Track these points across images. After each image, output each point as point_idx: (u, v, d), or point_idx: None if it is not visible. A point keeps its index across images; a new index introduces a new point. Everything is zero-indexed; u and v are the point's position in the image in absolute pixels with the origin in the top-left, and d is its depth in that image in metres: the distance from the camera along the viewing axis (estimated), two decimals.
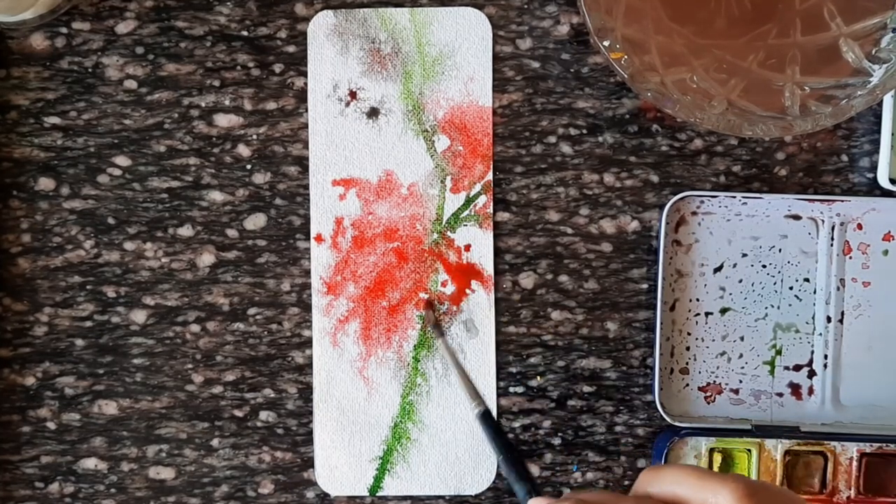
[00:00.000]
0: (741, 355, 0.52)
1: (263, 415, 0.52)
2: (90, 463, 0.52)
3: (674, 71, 0.46)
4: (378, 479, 0.52)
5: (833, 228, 0.51)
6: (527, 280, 0.52)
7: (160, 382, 0.52)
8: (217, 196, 0.52)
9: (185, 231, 0.52)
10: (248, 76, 0.51)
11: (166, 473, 0.52)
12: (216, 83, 0.51)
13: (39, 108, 0.51)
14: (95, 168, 0.51)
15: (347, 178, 0.51)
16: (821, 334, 0.52)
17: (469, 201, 0.52)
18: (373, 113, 0.51)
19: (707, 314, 0.52)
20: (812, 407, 0.52)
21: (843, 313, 0.52)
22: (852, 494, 0.51)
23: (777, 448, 0.51)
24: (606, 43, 0.46)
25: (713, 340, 0.52)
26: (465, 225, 0.52)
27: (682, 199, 0.50)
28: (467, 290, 0.52)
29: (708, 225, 0.52)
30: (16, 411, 0.52)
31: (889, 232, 0.52)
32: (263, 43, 0.51)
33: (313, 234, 0.52)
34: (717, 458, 0.51)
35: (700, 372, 0.52)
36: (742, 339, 0.52)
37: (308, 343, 0.52)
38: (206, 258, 0.52)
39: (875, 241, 0.52)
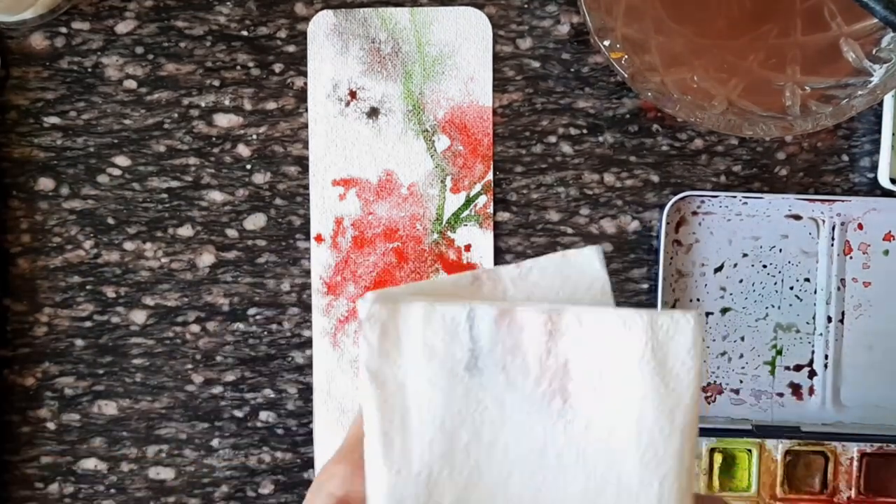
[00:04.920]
0: (742, 355, 0.52)
1: (263, 415, 0.52)
2: (90, 463, 0.52)
3: (674, 71, 0.46)
4: None
5: (833, 228, 0.51)
6: None
7: (160, 382, 0.52)
8: (217, 196, 0.52)
9: (185, 231, 0.52)
10: (248, 76, 0.51)
11: (166, 474, 0.52)
12: (216, 83, 0.51)
13: (39, 108, 0.51)
14: (95, 168, 0.51)
15: (347, 178, 0.51)
16: (821, 334, 0.52)
17: (469, 201, 0.52)
18: (373, 113, 0.51)
19: (707, 314, 0.52)
20: (813, 407, 0.52)
21: (843, 313, 0.52)
22: (853, 494, 0.51)
23: (777, 448, 0.51)
24: (607, 43, 0.46)
25: (714, 340, 0.52)
26: (466, 225, 0.52)
27: (682, 198, 0.50)
28: None
29: (708, 225, 0.52)
30: (16, 411, 0.52)
31: (889, 232, 0.52)
32: (263, 43, 0.51)
33: (313, 234, 0.52)
34: (718, 458, 0.51)
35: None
36: (742, 339, 0.52)
37: (308, 343, 0.52)
38: (206, 258, 0.52)
39: (875, 241, 0.52)
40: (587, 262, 0.33)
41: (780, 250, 0.52)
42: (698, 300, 0.52)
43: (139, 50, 0.51)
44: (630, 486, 0.31)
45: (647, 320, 0.31)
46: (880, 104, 0.50)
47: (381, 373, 0.31)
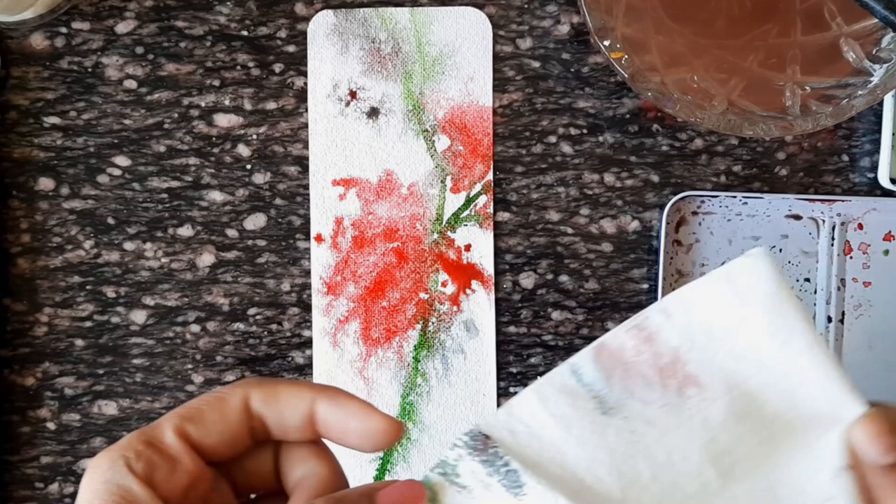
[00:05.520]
0: None
1: None
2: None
3: (674, 71, 0.46)
4: (378, 480, 0.52)
5: (833, 228, 0.51)
6: (527, 280, 0.52)
7: (160, 383, 0.52)
8: (217, 196, 0.52)
9: (185, 231, 0.52)
10: (248, 76, 0.51)
11: None
12: (216, 83, 0.51)
13: (39, 108, 0.51)
14: (95, 168, 0.51)
15: (347, 178, 0.51)
16: (821, 334, 0.52)
17: (469, 201, 0.52)
18: (373, 113, 0.51)
19: None
20: None
21: (843, 313, 0.52)
22: None
23: None
24: (607, 43, 0.46)
25: None
26: (466, 225, 0.52)
27: (682, 198, 0.50)
28: (467, 290, 0.52)
29: (708, 225, 0.52)
30: (16, 411, 0.52)
31: (889, 232, 0.52)
32: (263, 43, 0.51)
33: (313, 234, 0.52)
34: None
35: None
36: None
37: (308, 343, 0.52)
38: (206, 258, 0.52)
39: (875, 241, 0.52)
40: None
41: (780, 250, 0.52)
42: None
43: (139, 50, 0.51)
44: (811, 407, 0.32)
45: (721, 277, 0.31)
46: (880, 104, 0.50)
47: (539, 470, 0.30)
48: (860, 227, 0.51)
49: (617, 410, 0.31)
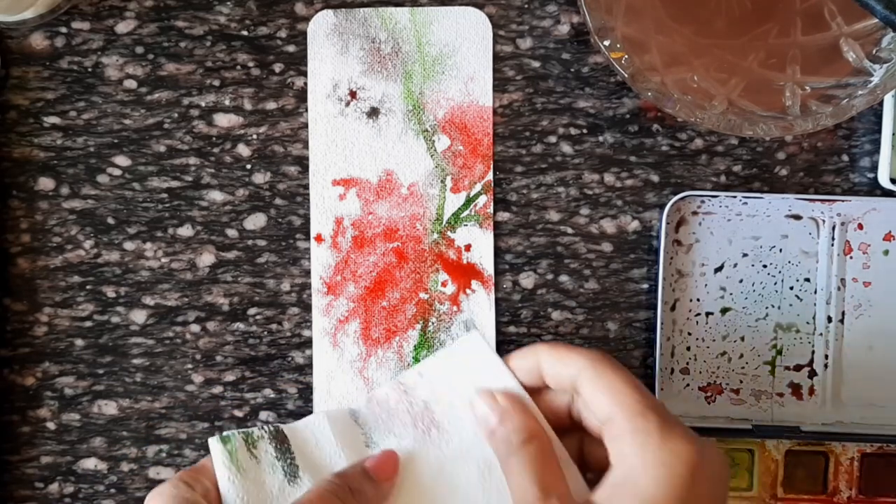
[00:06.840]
0: (742, 355, 0.52)
1: (263, 415, 0.52)
2: (90, 463, 0.52)
3: (674, 70, 0.46)
4: None
5: (834, 228, 0.51)
6: (527, 280, 0.52)
7: (160, 382, 0.52)
8: (217, 196, 0.52)
9: (185, 231, 0.52)
10: (248, 76, 0.51)
11: (166, 474, 0.52)
12: (216, 83, 0.51)
13: (39, 108, 0.51)
14: (95, 168, 0.51)
15: (347, 177, 0.51)
16: (821, 334, 0.52)
17: (469, 201, 0.52)
18: (373, 113, 0.51)
19: (707, 314, 0.52)
20: (813, 407, 0.52)
21: (843, 313, 0.52)
22: (853, 494, 0.51)
23: (777, 448, 0.51)
24: (607, 42, 0.46)
25: (714, 340, 0.52)
26: (466, 225, 0.52)
27: (682, 198, 0.50)
28: (467, 290, 0.52)
29: (708, 225, 0.52)
30: (16, 411, 0.52)
31: (890, 232, 0.52)
32: (263, 42, 0.51)
33: (313, 234, 0.52)
34: None
35: (700, 372, 0.52)
36: (742, 339, 0.52)
37: (308, 343, 0.52)
38: (206, 258, 0.52)
39: (876, 241, 0.52)
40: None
41: (780, 250, 0.52)
42: (698, 300, 0.52)
43: (139, 50, 0.51)
44: (492, 457, 0.44)
45: (453, 351, 0.48)
46: (880, 104, 0.50)
47: (314, 470, 0.44)
48: (860, 227, 0.52)
49: (377, 444, 0.45)
